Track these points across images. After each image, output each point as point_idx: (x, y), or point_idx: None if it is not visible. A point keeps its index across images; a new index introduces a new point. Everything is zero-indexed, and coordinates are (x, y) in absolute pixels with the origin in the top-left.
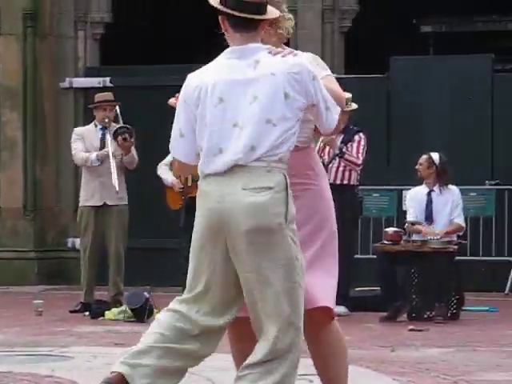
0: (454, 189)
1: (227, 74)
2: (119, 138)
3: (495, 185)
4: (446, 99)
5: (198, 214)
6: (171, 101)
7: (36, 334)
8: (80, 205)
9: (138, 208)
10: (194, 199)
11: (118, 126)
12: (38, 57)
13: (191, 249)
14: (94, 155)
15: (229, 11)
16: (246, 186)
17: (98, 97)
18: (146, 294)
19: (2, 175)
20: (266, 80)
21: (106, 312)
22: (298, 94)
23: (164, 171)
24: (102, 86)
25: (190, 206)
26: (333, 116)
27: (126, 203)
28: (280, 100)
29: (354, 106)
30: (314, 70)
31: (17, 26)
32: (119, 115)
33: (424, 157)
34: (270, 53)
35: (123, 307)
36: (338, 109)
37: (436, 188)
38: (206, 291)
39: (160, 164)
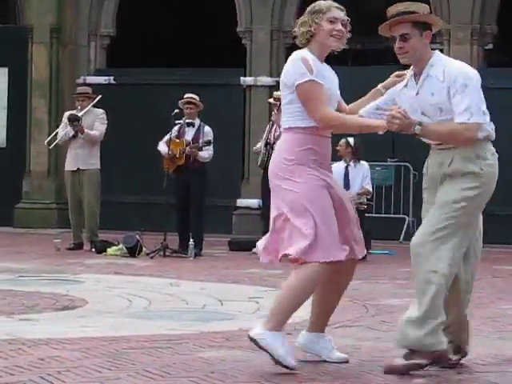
0: (364, 164)
1: None
2: (70, 123)
3: (394, 162)
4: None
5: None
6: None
7: (56, 264)
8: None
9: (135, 173)
10: (179, 166)
11: (69, 113)
12: (60, 59)
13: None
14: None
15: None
16: None
17: (77, 90)
18: (137, 236)
19: (33, 147)
20: None
21: (108, 249)
22: None
23: (161, 146)
24: (107, 83)
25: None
26: None
27: (97, 168)
28: None
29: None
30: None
31: (45, 36)
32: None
33: (343, 140)
34: None
35: (120, 246)
36: None
37: (351, 163)
38: None
39: (160, 142)
